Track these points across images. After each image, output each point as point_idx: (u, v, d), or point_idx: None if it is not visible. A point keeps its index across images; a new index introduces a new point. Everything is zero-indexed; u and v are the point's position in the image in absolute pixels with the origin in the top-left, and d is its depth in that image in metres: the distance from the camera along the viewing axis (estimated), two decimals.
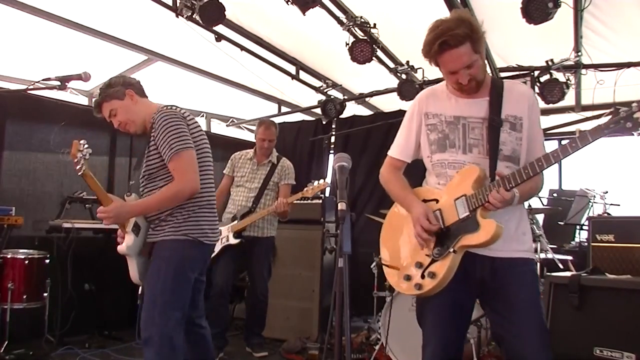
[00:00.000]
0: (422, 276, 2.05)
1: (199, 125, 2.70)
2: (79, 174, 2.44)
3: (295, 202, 4.38)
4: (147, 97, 2.72)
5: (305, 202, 4.94)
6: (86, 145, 2.45)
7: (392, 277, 2.21)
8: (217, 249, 4.41)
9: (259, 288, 4.45)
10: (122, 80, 2.64)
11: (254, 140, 4.72)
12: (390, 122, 5.24)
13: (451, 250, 2.00)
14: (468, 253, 2.03)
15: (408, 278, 2.10)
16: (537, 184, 2.12)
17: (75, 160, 2.43)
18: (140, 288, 2.59)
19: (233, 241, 4.30)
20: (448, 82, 2.13)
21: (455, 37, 1.95)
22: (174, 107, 2.62)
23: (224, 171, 4.67)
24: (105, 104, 2.61)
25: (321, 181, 4.20)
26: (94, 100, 2.67)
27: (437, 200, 2.11)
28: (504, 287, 2.05)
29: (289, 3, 3.91)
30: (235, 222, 4.37)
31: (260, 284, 4.45)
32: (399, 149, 2.27)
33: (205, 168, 2.65)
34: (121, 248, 2.54)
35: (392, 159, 2.30)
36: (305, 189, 4.21)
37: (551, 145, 6.77)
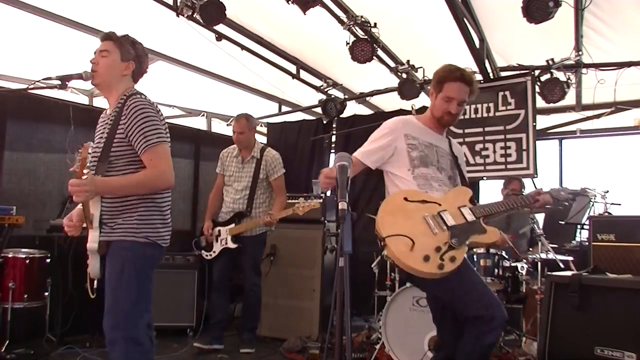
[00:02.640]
0: (442, 259, 2.40)
1: (166, 123, 2.56)
2: (83, 177, 2.23)
3: (295, 201, 4.41)
4: (137, 81, 2.61)
5: (306, 201, 4.95)
6: (94, 146, 2.33)
7: (402, 253, 2.38)
8: (218, 250, 4.47)
9: (247, 282, 4.50)
10: (140, 53, 2.55)
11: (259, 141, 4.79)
12: None
13: (467, 243, 2.50)
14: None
15: (427, 258, 2.39)
16: None
17: (87, 163, 2.26)
18: (94, 281, 2.49)
19: (232, 245, 4.43)
20: (437, 109, 2.68)
21: (469, 76, 2.64)
22: (146, 97, 2.50)
23: (217, 170, 4.73)
24: (110, 44, 2.49)
25: (315, 201, 4.34)
26: (109, 31, 2.53)
27: (439, 204, 2.56)
28: None
29: (290, 2, 3.91)
30: (233, 225, 4.42)
31: (248, 278, 4.50)
32: (369, 157, 2.66)
33: None
34: (91, 246, 2.40)
35: (356, 160, 2.62)
36: (297, 205, 4.32)
37: (552, 145, 6.75)
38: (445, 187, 2.67)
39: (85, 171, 2.23)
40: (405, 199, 2.55)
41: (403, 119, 2.79)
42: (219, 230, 4.51)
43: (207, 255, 4.56)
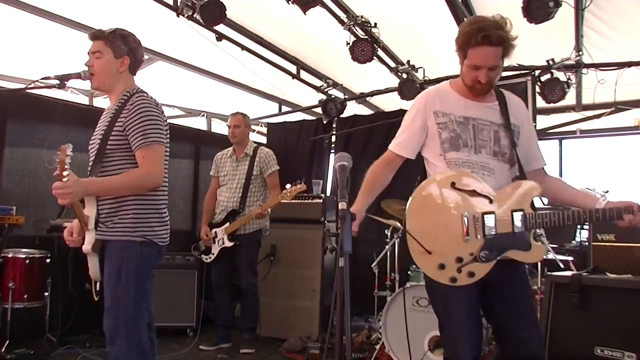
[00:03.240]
0: (459, 270, 2.09)
1: (167, 123, 2.54)
2: (65, 180, 2.19)
3: (295, 201, 4.43)
4: (135, 73, 2.59)
5: (306, 201, 4.96)
6: (71, 148, 2.24)
7: (418, 255, 2.17)
8: (216, 251, 4.48)
9: (243, 282, 4.51)
10: (132, 45, 2.52)
11: (254, 140, 4.81)
12: (391, 121, 5.24)
13: (498, 259, 2.09)
14: None
15: (442, 267, 2.11)
16: None
17: (66, 168, 2.21)
18: (97, 284, 2.48)
19: (228, 244, 4.45)
20: (466, 77, 2.19)
21: (497, 36, 2.06)
22: (150, 96, 2.47)
23: (211, 172, 4.78)
24: (101, 44, 2.45)
25: (300, 185, 4.31)
26: (97, 29, 2.50)
27: (490, 200, 2.13)
28: (512, 283, 2.18)
29: (290, 2, 3.91)
30: (228, 224, 4.44)
31: (244, 278, 4.51)
32: (401, 145, 2.32)
33: (165, 166, 2.52)
34: (87, 248, 2.37)
35: (392, 154, 2.34)
36: (284, 192, 4.32)
37: (552, 145, 6.77)
38: (483, 171, 2.19)
39: (65, 173, 2.20)
40: (453, 184, 2.15)
41: (433, 91, 2.33)
42: (215, 232, 4.52)
43: (206, 259, 4.59)
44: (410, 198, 2.23)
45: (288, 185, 4.35)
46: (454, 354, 2.17)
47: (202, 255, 4.61)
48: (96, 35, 2.49)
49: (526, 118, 2.33)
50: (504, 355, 2.23)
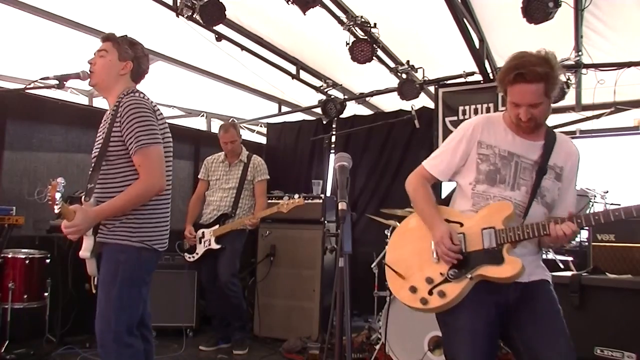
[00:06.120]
0: (430, 292, 2.11)
1: (166, 121, 2.54)
2: (57, 212, 2.23)
3: (278, 200, 4.44)
4: (137, 82, 2.59)
5: (306, 201, 4.95)
6: (63, 183, 2.28)
7: (393, 283, 2.25)
8: (201, 251, 4.50)
9: (222, 281, 4.45)
10: (139, 54, 2.54)
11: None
12: (391, 122, 5.25)
13: (469, 276, 2.05)
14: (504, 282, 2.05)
15: (414, 290, 2.15)
16: None
17: (57, 203, 2.24)
18: (95, 279, 2.48)
19: (215, 246, 4.44)
20: (509, 113, 2.12)
21: (533, 73, 1.98)
22: (143, 95, 2.48)
23: (199, 176, 4.77)
24: (108, 45, 2.49)
25: (296, 198, 4.35)
26: (109, 33, 2.55)
27: (461, 224, 2.15)
28: (532, 300, 2.10)
29: (290, 3, 3.91)
30: (217, 226, 4.44)
31: (223, 277, 4.45)
32: (438, 168, 2.26)
33: (168, 168, 2.51)
34: (84, 254, 2.39)
35: (425, 172, 2.28)
36: (281, 202, 4.33)
37: None
38: (517, 210, 2.12)
39: (56, 206, 2.24)
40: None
41: (484, 120, 2.24)
42: (202, 232, 4.51)
43: (189, 258, 4.57)
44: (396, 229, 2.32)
45: (285, 197, 4.39)
46: None
47: (186, 254, 4.59)
48: (106, 36, 2.54)
49: (571, 165, 2.20)
50: None
